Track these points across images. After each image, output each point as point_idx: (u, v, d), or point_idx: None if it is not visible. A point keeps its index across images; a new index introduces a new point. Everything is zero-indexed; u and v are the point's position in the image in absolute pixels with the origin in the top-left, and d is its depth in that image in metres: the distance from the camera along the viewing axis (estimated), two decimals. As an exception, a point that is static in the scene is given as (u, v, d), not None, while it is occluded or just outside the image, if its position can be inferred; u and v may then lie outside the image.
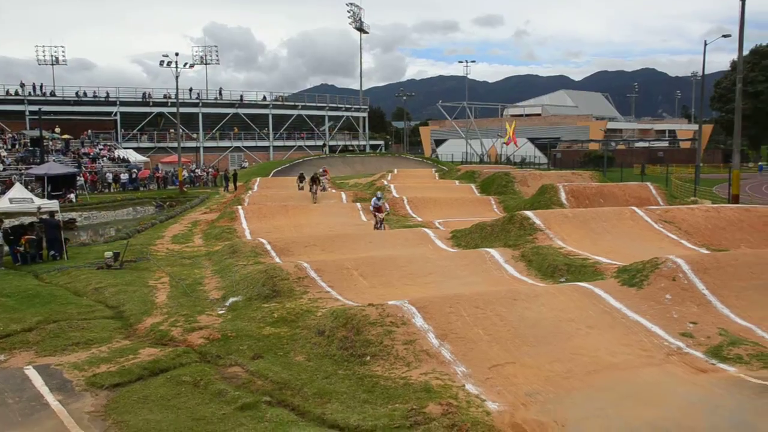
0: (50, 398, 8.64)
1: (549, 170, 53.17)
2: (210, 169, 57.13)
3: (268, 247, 18.40)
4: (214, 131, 72.96)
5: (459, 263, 15.58)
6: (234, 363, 9.97)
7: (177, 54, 48.20)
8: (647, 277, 11.97)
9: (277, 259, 17.14)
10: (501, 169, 41.62)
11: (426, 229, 21.28)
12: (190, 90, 73.48)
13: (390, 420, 7.59)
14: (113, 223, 33.50)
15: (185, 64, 50.99)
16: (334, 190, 35.67)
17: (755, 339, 9.92)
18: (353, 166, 59.55)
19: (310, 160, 59.23)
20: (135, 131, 68.31)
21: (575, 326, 10.43)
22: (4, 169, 43.37)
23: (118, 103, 67.96)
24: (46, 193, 35.77)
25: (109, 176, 47.51)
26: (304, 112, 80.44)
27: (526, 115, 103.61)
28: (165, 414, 8.13)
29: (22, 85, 66.06)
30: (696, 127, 72.39)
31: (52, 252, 20.06)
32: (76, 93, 68.11)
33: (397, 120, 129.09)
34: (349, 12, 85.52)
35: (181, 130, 57.16)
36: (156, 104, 70.02)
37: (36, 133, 49.32)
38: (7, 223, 20.92)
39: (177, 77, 48.40)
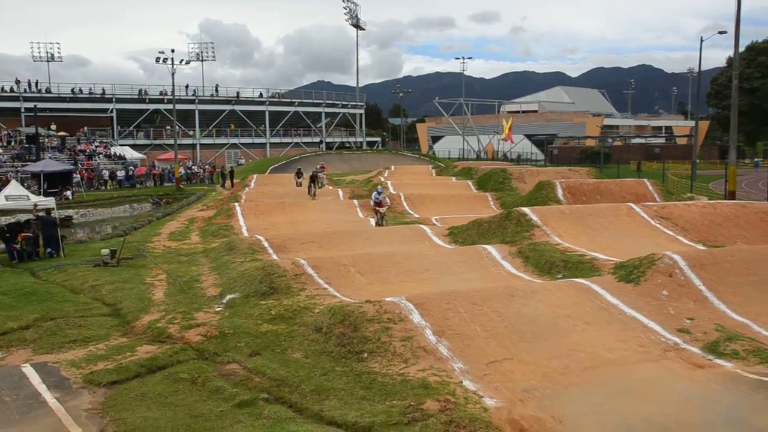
0: (48, 396, 8.64)
1: (546, 167, 53.20)
2: (207, 166, 57.05)
3: (265, 244, 18.39)
4: (210, 128, 72.85)
5: (456, 260, 15.59)
6: (231, 360, 9.97)
7: (173, 51, 48.23)
8: (644, 274, 11.99)
9: (275, 256, 17.13)
10: (498, 166, 41.63)
11: (423, 226, 21.28)
12: (187, 87, 73.45)
13: (388, 416, 7.61)
14: (110, 221, 33.44)
15: (181, 60, 51.09)
16: (330, 187, 35.64)
17: (751, 335, 9.96)
18: (350, 162, 59.53)
19: (307, 156, 59.17)
20: (131, 128, 68.17)
21: (572, 322, 10.46)
22: (0, 167, 43.26)
23: (114, 99, 67.82)
24: (42, 190, 35.67)
25: (106, 173, 47.43)
26: (300, 109, 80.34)
27: (523, 112, 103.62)
28: (162, 411, 8.13)
29: (18, 82, 65.86)
30: (692, 123, 72.55)
31: (49, 249, 20.03)
32: (72, 90, 67.98)
33: (393, 117, 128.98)
34: (345, 8, 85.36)
35: (177, 127, 57.08)
36: (152, 101, 69.86)
37: (32, 130, 49.23)
38: (3, 220, 20.93)
39: (173, 74, 48.40)
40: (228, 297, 13.58)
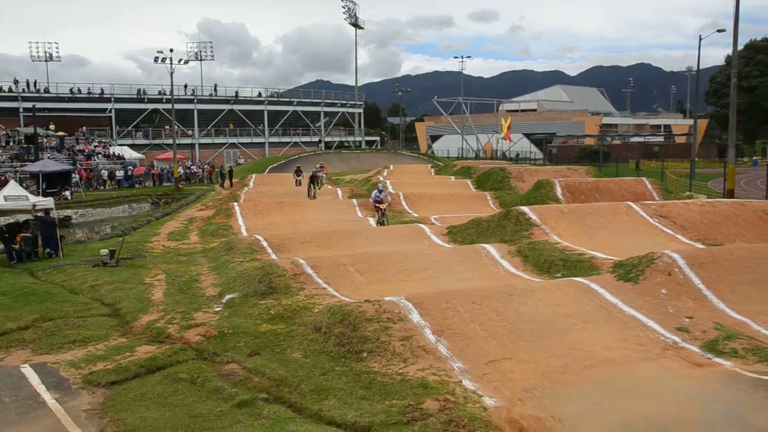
0: (47, 396, 8.63)
1: (545, 165, 53.22)
2: (205, 166, 57.03)
3: (264, 243, 18.38)
4: (209, 128, 72.82)
5: (455, 259, 15.59)
6: (231, 360, 9.96)
7: (171, 50, 48.21)
8: (643, 272, 12.00)
9: (274, 256, 17.12)
10: (497, 165, 41.62)
11: (422, 225, 21.28)
12: (185, 86, 73.41)
13: (387, 416, 7.61)
14: (109, 221, 33.42)
15: (180, 60, 51.02)
16: (329, 186, 35.63)
17: (750, 333, 9.96)
18: (349, 162, 59.53)
19: (306, 156, 59.18)
20: (130, 128, 68.12)
21: (571, 321, 10.46)
22: (-1, 167, 43.25)
23: (112, 99, 67.79)
24: (41, 190, 35.66)
25: (105, 173, 47.41)
26: (299, 108, 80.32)
27: (522, 111, 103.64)
28: (162, 411, 8.12)
29: (16, 82, 65.81)
30: (691, 121, 72.59)
31: (48, 250, 20.01)
32: (71, 90, 67.95)
33: (392, 116, 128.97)
34: (344, 7, 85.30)
35: (176, 127, 57.05)
36: (151, 101, 69.83)
37: (30, 130, 49.21)
38: (2, 220, 20.91)
39: (171, 73, 48.36)
40: (227, 297, 13.58)
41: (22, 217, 21.45)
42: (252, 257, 16.95)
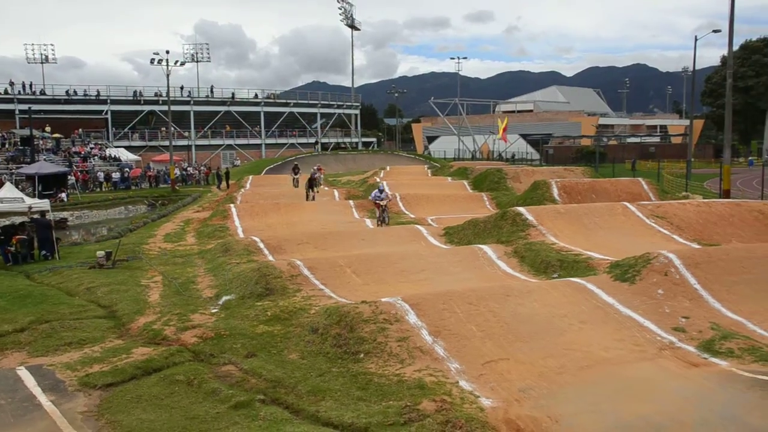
0: (43, 399, 8.61)
1: (541, 166, 53.28)
2: (202, 168, 56.95)
3: (261, 245, 18.37)
4: (205, 129, 72.72)
5: (452, 260, 15.60)
6: (227, 361, 9.95)
7: (168, 52, 48.09)
8: (639, 272, 12.02)
9: (270, 257, 17.12)
10: (493, 166, 41.66)
11: (419, 226, 21.29)
12: (182, 88, 73.26)
13: (384, 417, 7.61)
14: (105, 223, 33.39)
15: (176, 62, 50.88)
16: (326, 188, 35.63)
17: (746, 333, 9.99)
18: (345, 163, 59.51)
19: (303, 157, 59.12)
20: (126, 130, 67.98)
21: (568, 322, 10.47)
22: (-6, 169, 43.12)
23: (108, 101, 67.61)
24: (36, 192, 35.59)
25: (101, 175, 47.27)
26: (296, 110, 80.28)
27: (518, 111, 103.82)
28: (158, 413, 8.11)
29: (12, 84, 65.60)
30: (687, 122, 72.80)
31: (44, 252, 19.97)
32: (67, 91, 67.76)
33: (389, 117, 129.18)
34: (340, 9, 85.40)
35: (172, 129, 56.98)
36: (147, 102, 69.72)
37: (26, 132, 49.02)
38: (-2, 223, 20.81)
39: (168, 75, 48.25)
40: (224, 298, 13.57)
41: (17, 220, 21.38)
42: (249, 259, 16.94)
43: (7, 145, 51.41)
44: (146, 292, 14.64)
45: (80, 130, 61.46)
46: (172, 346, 10.72)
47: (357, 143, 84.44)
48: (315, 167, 37.18)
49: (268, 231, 22.33)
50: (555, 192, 25.39)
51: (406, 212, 27.02)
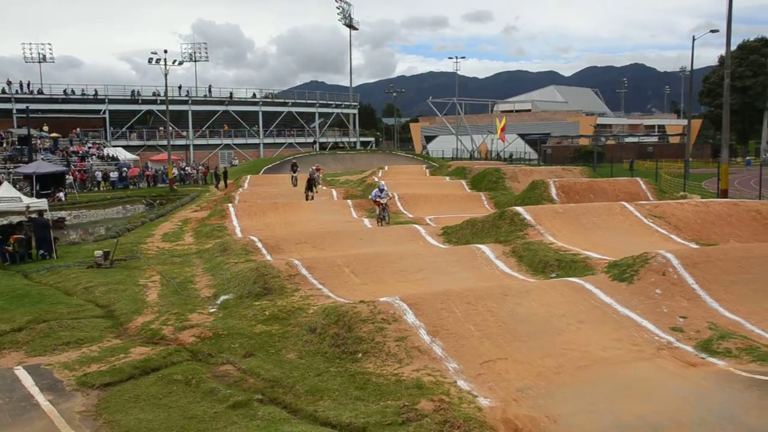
0: (41, 398, 8.60)
1: (539, 166, 53.30)
2: (200, 167, 56.90)
3: (259, 244, 18.37)
4: (203, 129, 72.63)
5: (450, 259, 15.60)
6: (225, 361, 9.95)
7: (165, 51, 47.99)
8: (637, 272, 12.03)
9: (268, 257, 17.11)
10: (491, 165, 41.66)
11: (417, 226, 21.29)
12: (180, 87, 73.14)
13: (382, 417, 7.61)
14: (103, 222, 33.37)
15: (174, 61, 50.80)
16: (324, 187, 35.62)
17: (744, 333, 10.00)
18: (344, 163, 59.47)
19: (301, 157, 59.05)
20: (124, 129, 67.89)
21: (566, 321, 10.48)
22: (-8, 168, 43.02)
23: (106, 100, 67.52)
24: (34, 191, 35.49)
25: (99, 175, 47.20)
26: (294, 109, 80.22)
27: (516, 111, 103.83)
28: (156, 413, 8.11)
29: (9, 83, 65.46)
30: (685, 122, 72.76)
31: (41, 251, 19.95)
32: (64, 91, 67.66)
33: (387, 116, 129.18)
34: (338, 8, 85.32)
35: (170, 128, 56.91)
36: (145, 102, 69.63)
37: (24, 131, 48.93)
38: (-4, 222, 20.76)
39: (166, 75, 48.15)
40: (222, 298, 13.57)
41: (15, 219, 21.34)
42: (247, 258, 16.93)
43: (4, 145, 51.26)
44: (144, 291, 14.63)
45: (78, 129, 61.40)
46: (170, 345, 10.71)
47: (355, 143, 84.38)
48: (313, 167, 37.18)
49: (267, 230, 22.32)
50: (553, 192, 25.40)
51: (405, 212, 27.03)
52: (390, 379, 8.75)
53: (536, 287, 11.99)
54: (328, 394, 8.46)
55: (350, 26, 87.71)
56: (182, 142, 69.13)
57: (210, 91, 76.62)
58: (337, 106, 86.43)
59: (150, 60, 48.13)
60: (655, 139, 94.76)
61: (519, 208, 19.21)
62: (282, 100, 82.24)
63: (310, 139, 79.35)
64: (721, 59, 73.27)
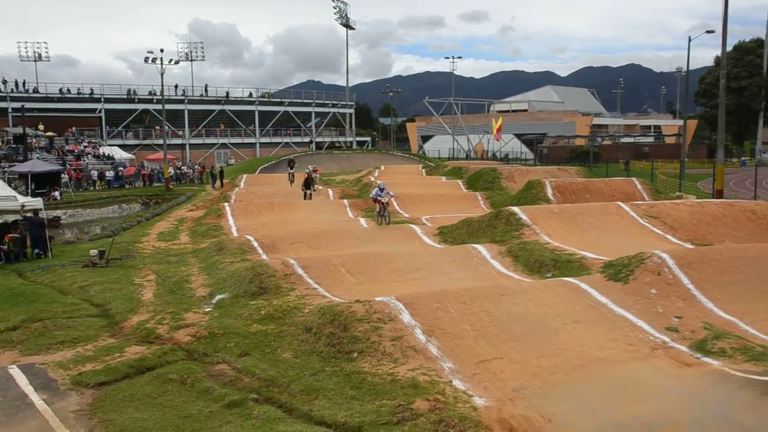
0: (35, 397, 8.57)
1: (535, 166, 53.35)
2: (196, 166, 56.83)
3: (255, 244, 18.34)
4: (200, 128, 72.55)
5: (446, 259, 15.61)
6: (221, 360, 9.93)
7: (162, 50, 47.99)
8: (633, 272, 12.05)
9: (264, 256, 17.09)
10: (488, 165, 41.68)
11: (413, 226, 21.30)
12: (176, 87, 73.19)
13: (377, 416, 7.60)
14: (98, 221, 33.27)
15: (170, 60, 50.83)
16: (320, 187, 35.58)
17: (739, 333, 10.03)
18: (340, 162, 59.46)
19: (297, 156, 59.03)
20: (120, 128, 67.79)
21: (561, 321, 10.49)
22: (-13, 167, 42.88)
23: (102, 100, 67.43)
24: (29, 190, 35.37)
25: (94, 174, 47.12)
26: (290, 109, 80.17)
27: (513, 111, 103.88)
28: (151, 412, 8.09)
29: (5, 82, 65.30)
30: (681, 122, 72.97)
31: (37, 250, 19.89)
32: (60, 90, 67.54)
33: (383, 116, 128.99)
34: (335, 8, 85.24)
35: (166, 127, 56.83)
36: (141, 101, 69.54)
37: (19, 130, 48.84)
38: (-9, 221, 20.70)
39: (162, 74, 48.16)
40: (217, 297, 13.54)
41: (10, 218, 21.28)
42: (242, 258, 16.91)
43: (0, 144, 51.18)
44: (139, 290, 14.60)
45: (74, 128, 61.32)
46: (165, 344, 10.68)
47: (351, 142, 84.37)
48: (310, 167, 37.15)
49: (262, 230, 22.28)
50: (549, 192, 25.43)
51: (401, 211, 27.00)
52: (385, 378, 8.74)
53: (532, 287, 12.00)
54: (323, 393, 8.46)
55: (347, 26, 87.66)
56: (178, 141, 69.00)
57: (206, 90, 76.67)
58: (334, 106, 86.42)
59: (146, 59, 48.13)
60: (651, 140, 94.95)
61: (515, 208, 19.23)
62: (278, 100, 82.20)
63: (307, 139, 79.34)
64: (717, 60, 73.45)
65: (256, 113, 76.59)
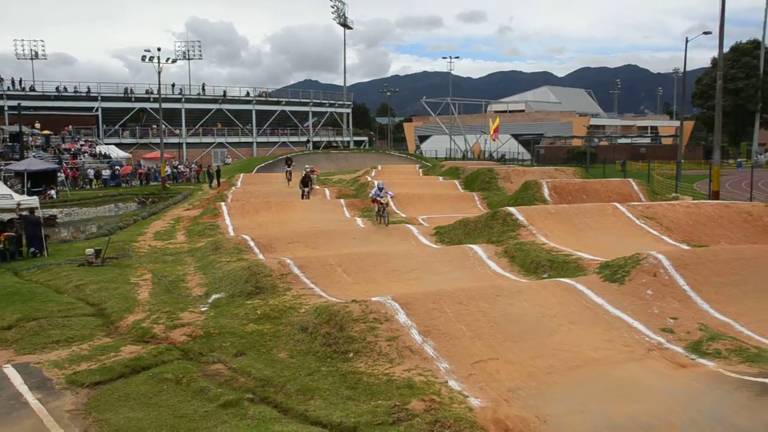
0: (29, 397, 8.54)
1: (532, 166, 53.42)
2: (193, 165, 56.77)
3: (252, 243, 18.32)
4: (197, 127, 72.41)
5: (442, 259, 15.61)
6: (216, 360, 9.92)
7: (159, 49, 47.89)
8: (629, 273, 12.07)
9: (261, 256, 17.07)
10: (484, 166, 41.70)
11: (410, 226, 21.29)
12: (173, 85, 72.99)
13: (373, 416, 7.60)
14: (94, 220, 33.20)
15: (167, 59, 50.66)
16: (317, 187, 35.56)
17: (734, 334, 10.05)
18: (337, 162, 59.43)
19: (294, 156, 59.02)
20: (117, 127, 67.59)
21: (557, 322, 10.50)
22: (-17, 165, 42.78)
23: (99, 98, 67.22)
24: (25, 189, 35.33)
25: (91, 172, 47.06)
26: (287, 108, 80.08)
27: (510, 111, 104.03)
28: (146, 412, 8.07)
29: (1, 80, 65.13)
30: (677, 123, 73.11)
31: (32, 249, 19.84)
32: (57, 88, 67.29)
33: (381, 116, 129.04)
34: (332, 7, 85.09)
35: (163, 126, 56.75)
36: (138, 99, 69.37)
37: (15, 128, 48.69)
38: (-14, 219, 20.64)
39: (159, 72, 48.10)
40: (213, 297, 13.52)
41: (6, 216, 21.22)
42: (239, 257, 16.89)
43: (-4, 142, 51.06)
44: (135, 290, 14.57)
45: (70, 126, 61.17)
46: (161, 344, 10.67)
47: (349, 142, 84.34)
48: (307, 168, 37.14)
49: (259, 229, 22.26)
50: (546, 192, 25.44)
51: (397, 211, 26.98)
52: (381, 378, 8.74)
53: (528, 288, 12.01)
54: (319, 393, 8.45)
55: (344, 25, 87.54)
56: (175, 140, 68.90)
57: (203, 89, 76.49)
58: (331, 105, 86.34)
59: (143, 58, 48.06)
60: (647, 141, 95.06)
61: (511, 209, 19.24)
62: (276, 99, 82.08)
63: (304, 138, 79.18)
64: (714, 61, 73.59)
65: (254, 112, 76.49)
